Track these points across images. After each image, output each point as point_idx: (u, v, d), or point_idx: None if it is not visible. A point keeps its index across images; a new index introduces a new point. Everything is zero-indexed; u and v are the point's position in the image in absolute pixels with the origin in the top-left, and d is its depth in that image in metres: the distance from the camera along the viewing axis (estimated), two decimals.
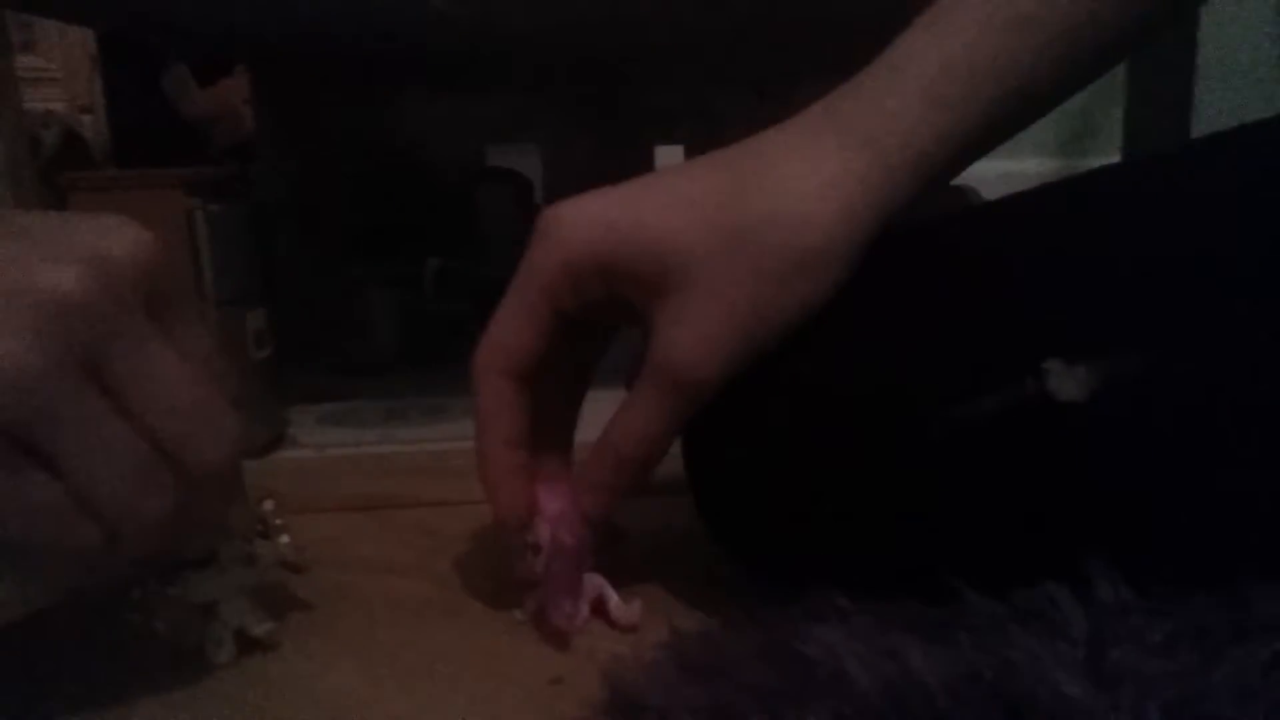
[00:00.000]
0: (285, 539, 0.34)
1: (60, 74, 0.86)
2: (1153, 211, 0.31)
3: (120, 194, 0.48)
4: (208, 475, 0.27)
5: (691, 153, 0.83)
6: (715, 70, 0.81)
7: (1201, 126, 0.60)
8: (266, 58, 0.81)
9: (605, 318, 0.34)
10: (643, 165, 0.83)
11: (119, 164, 0.88)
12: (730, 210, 0.30)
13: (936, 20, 0.32)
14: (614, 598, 0.33)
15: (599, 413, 0.35)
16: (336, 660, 0.31)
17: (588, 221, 0.31)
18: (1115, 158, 0.65)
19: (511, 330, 0.32)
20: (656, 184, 0.32)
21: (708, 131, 0.81)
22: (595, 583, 0.33)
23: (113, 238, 0.26)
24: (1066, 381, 0.29)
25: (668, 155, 0.80)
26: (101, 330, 0.24)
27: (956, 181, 0.64)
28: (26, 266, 0.24)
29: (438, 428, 0.53)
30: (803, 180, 0.30)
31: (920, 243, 0.34)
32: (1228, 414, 0.28)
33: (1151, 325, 0.29)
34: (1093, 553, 0.28)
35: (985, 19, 0.31)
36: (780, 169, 0.30)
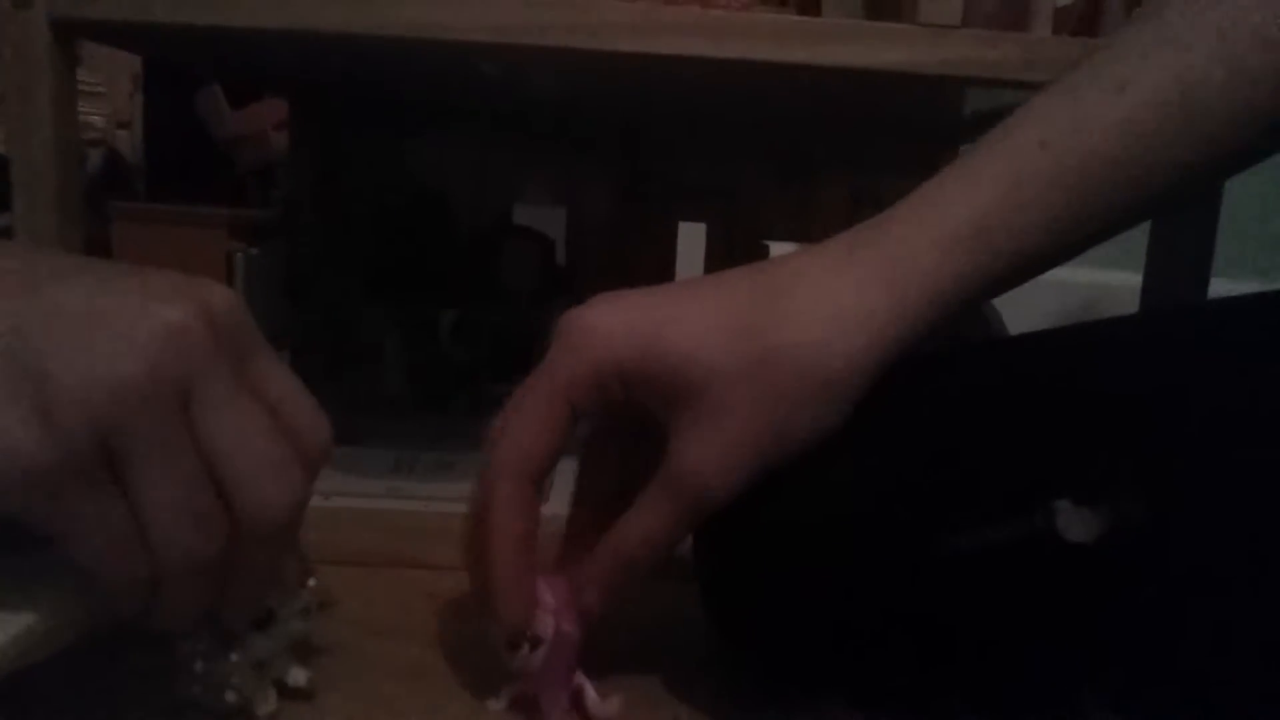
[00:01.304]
0: (313, 581, 0.35)
1: (103, 88, 0.87)
2: (1166, 365, 0.32)
3: (164, 228, 0.48)
4: (263, 527, 0.28)
5: (714, 231, 0.85)
6: (740, 152, 0.83)
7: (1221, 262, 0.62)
8: (305, 94, 0.82)
9: (621, 418, 0.35)
10: (664, 239, 0.84)
11: (150, 183, 0.89)
12: (755, 337, 0.31)
13: (966, 173, 0.33)
14: (592, 693, 0.33)
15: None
16: None
17: (614, 331, 0.32)
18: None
19: (532, 434, 0.33)
20: (682, 298, 0.33)
21: (730, 211, 0.83)
22: (575, 676, 0.34)
23: (208, 289, 0.28)
24: (1075, 522, 0.30)
25: (690, 232, 0.82)
26: (201, 366, 0.27)
27: None
28: (142, 300, 0.27)
29: (445, 485, 0.54)
30: (824, 313, 0.32)
31: (940, 370, 0.35)
32: (1229, 566, 0.29)
33: (1159, 475, 0.30)
34: (1090, 689, 0.29)
35: (1012, 181, 0.32)
36: (802, 300, 0.32)
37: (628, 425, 0.35)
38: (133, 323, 0.26)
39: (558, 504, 0.39)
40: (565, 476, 0.38)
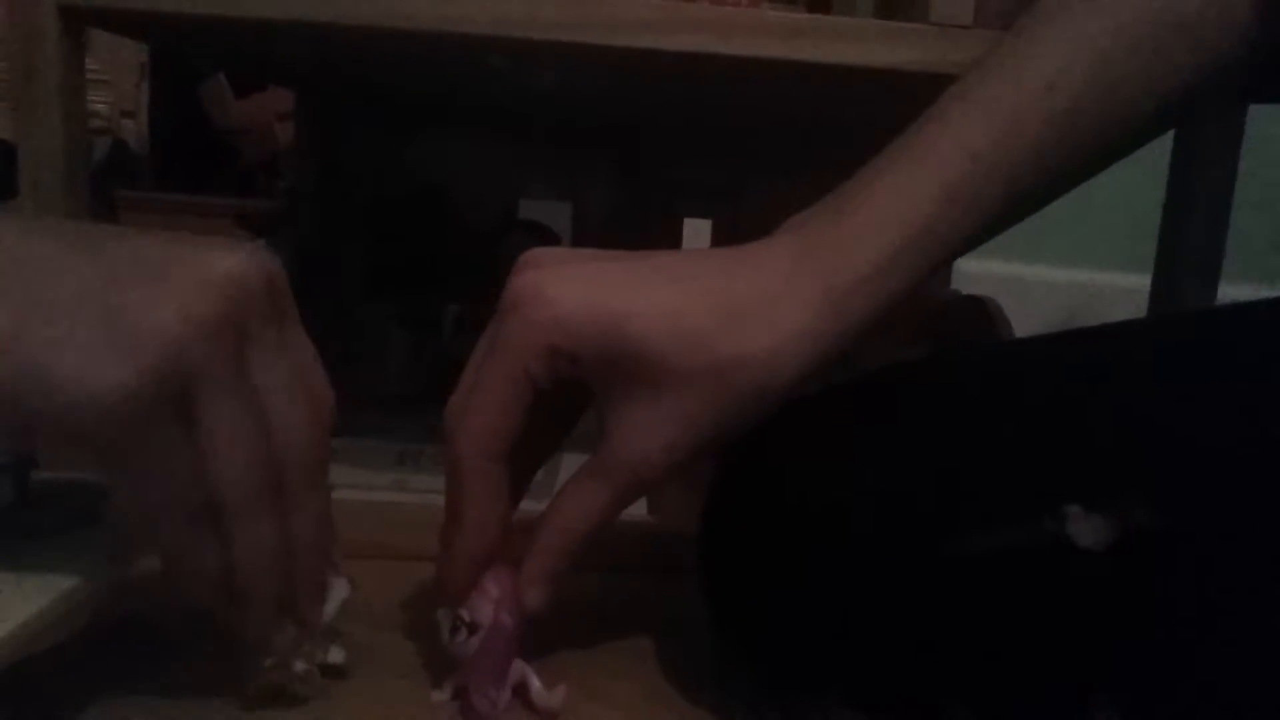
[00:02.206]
0: (342, 584, 0.35)
1: (109, 76, 0.87)
2: (1177, 370, 0.32)
3: (170, 218, 0.48)
4: (299, 464, 0.30)
5: (719, 228, 0.85)
6: (747, 149, 0.83)
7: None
8: (311, 86, 0.82)
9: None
10: (670, 234, 0.84)
11: (155, 172, 0.89)
12: (712, 345, 0.32)
13: (898, 186, 0.34)
14: (536, 683, 0.34)
15: None
16: None
17: (575, 310, 0.32)
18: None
19: (499, 411, 0.33)
20: (640, 286, 0.33)
21: (736, 207, 0.83)
22: (518, 667, 0.34)
23: (252, 250, 0.31)
24: (1085, 528, 0.30)
25: (696, 228, 0.82)
26: (259, 314, 0.29)
27: (977, 291, 0.65)
28: (208, 251, 0.29)
29: None
30: (773, 331, 0.33)
31: (950, 374, 0.35)
32: (1241, 573, 0.29)
33: (1171, 481, 0.30)
34: (1099, 695, 0.29)
35: (945, 195, 0.33)
36: (754, 319, 0.33)
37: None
38: (205, 268, 0.28)
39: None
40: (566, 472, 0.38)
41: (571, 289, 0.32)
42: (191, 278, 0.28)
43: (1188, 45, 0.34)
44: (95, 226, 0.31)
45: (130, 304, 0.27)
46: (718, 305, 0.33)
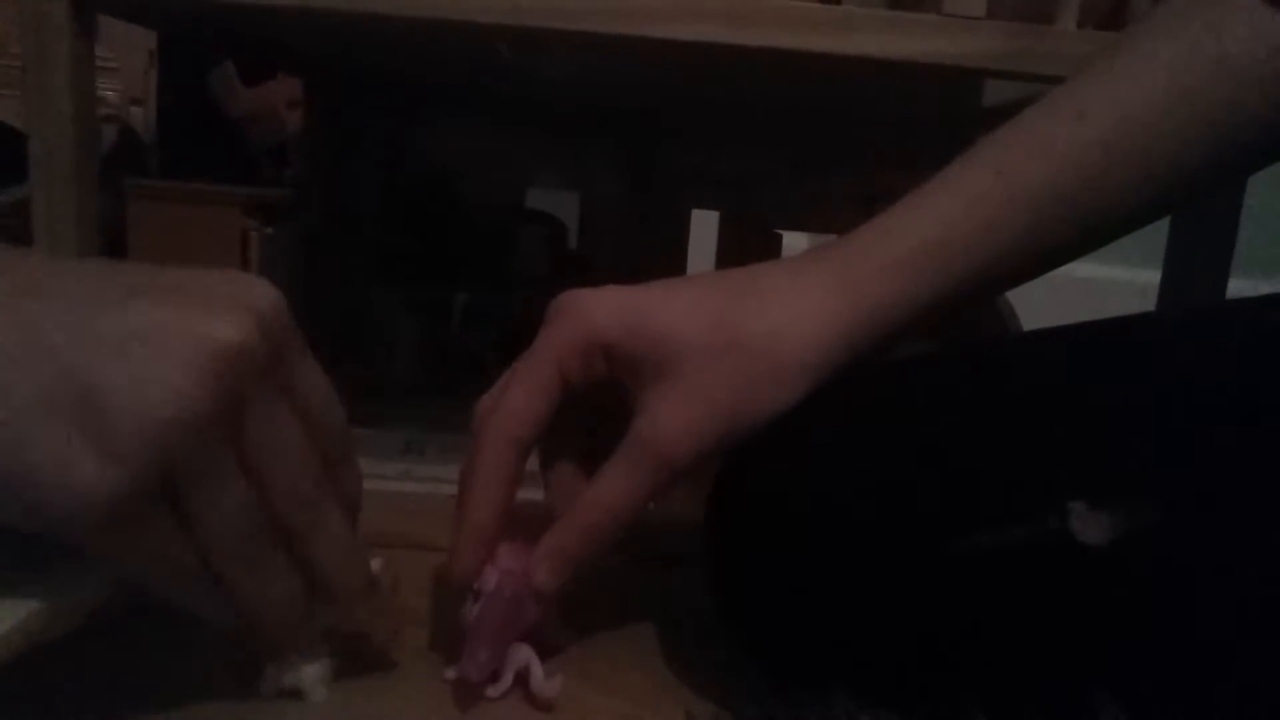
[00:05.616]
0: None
1: (118, 64, 0.87)
2: (1182, 365, 0.32)
3: (180, 206, 0.48)
4: (303, 526, 0.29)
5: (726, 219, 0.85)
6: (756, 141, 0.83)
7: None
8: (320, 74, 0.82)
9: (599, 398, 0.36)
10: (678, 224, 0.84)
11: (164, 160, 0.89)
12: (728, 325, 0.34)
13: (923, 199, 0.35)
14: (538, 672, 0.34)
15: None
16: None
17: (604, 307, 0.35)
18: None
19: (526, 399, 0.35)
20: (665, 288, 0.36)
21: (744, 199, 0.83)
22: (523, 654, 0.34)
23: (257, 293, 0.28)
24: (1089, 524, 0.30)
25: (703, 218, 0.82)
26: (256, 382, 0.27)
27: None
28: (198, 318, 0.26)
29: (455, 468, 0.54)
30: (787, 308, 0.34)
31: (953, 369, 0.35)
32: (1245, 569, 0.29)
33: (1175, 477, 0.30)
34: (1103, 691, 0.29)
35: (964, 209, 0.34)
36: (770, 295, 0.35)
37: (593, 406, 0.36)
38: (192, 346, 0.26)
39: None
40: None
41: (604, 296, 0.35)
42: (180, 361, 0.25)
43: (1235, 104, 0.33)
44: (88, 277, 0.27)
45: (112, 397, 0.24)
46: (737, 288, 0.35)
